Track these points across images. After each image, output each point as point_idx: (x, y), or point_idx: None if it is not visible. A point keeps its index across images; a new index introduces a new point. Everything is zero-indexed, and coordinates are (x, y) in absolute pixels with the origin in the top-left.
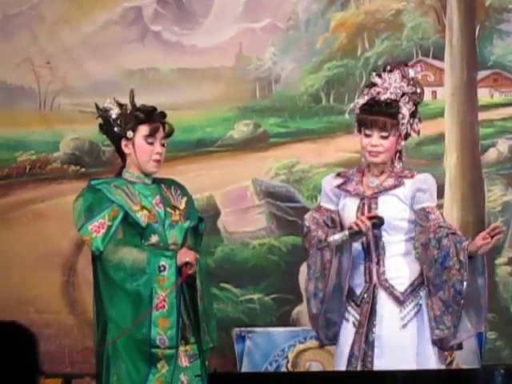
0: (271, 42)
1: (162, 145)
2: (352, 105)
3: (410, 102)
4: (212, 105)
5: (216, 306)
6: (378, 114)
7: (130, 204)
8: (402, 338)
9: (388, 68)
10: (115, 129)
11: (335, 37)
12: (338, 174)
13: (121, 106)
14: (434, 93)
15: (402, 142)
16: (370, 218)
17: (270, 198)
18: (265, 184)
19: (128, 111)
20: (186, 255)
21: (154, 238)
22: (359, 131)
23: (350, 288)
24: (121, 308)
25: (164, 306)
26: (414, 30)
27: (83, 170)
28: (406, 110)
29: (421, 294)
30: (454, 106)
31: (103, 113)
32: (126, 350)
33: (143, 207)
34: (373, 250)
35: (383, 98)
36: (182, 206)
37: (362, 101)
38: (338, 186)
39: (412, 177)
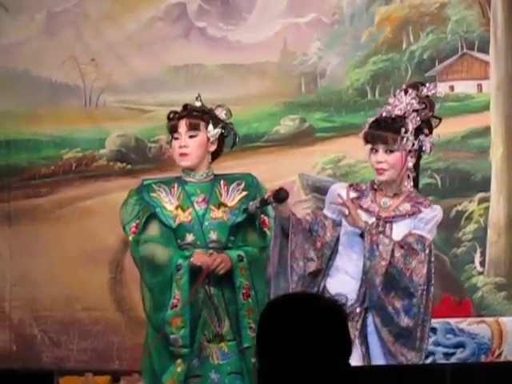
0: (316, 36)
1: (190, 137)
2: (365, 125)
3: (418, 118)
4: (258, 100)
5: None
6: (383, 129)
7: (164, 203)
8: None
9: (404, 87)
10: None
11: (380, 31)
12: (351, 186)
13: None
14: (480, 86)
15: (412, 161)
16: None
17: (317, 192)
18: (311, 179)
19: None
20: (199, 259)
21: (189, 237)
22: (371, 150)
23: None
24: (147, 302)
25: (177, 305)
26: (459, 23)
27: (129, 166)
28: (411, 124)
29: None
30: (500, 99)
31: None
32: (155, 346)
33: (179, 207)
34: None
35: (392, 114)
36: (233, 202)
37: (372, 119)
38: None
39: (429, 206)
